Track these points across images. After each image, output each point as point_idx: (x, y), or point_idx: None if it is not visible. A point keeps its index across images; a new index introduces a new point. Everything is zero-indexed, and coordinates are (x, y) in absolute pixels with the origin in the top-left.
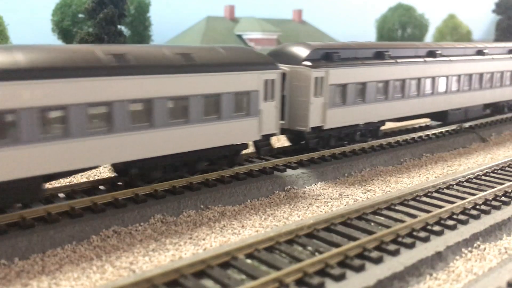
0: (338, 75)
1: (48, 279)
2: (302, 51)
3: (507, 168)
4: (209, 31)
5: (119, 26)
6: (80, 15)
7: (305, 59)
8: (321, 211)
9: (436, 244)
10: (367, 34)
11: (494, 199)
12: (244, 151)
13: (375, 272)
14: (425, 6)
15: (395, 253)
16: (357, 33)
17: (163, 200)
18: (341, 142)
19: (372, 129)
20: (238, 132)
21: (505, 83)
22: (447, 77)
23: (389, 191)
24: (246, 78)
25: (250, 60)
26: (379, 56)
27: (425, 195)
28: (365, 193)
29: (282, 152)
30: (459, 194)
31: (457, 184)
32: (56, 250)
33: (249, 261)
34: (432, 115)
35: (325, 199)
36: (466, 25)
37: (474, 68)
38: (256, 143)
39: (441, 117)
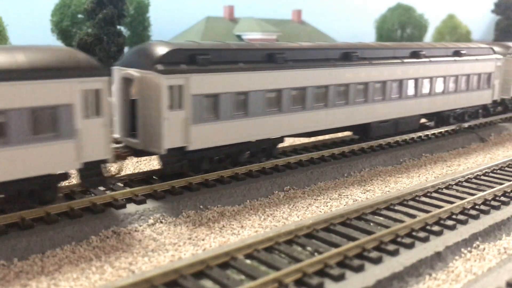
0: (205, 82)
1: (47, 280)
2: (156, 52)
3: (506, 168)
4: (209, 31)
5: (118, 27)
6: (80, 16)
7: (158, 62)
8: (320, 211)
9: (436, 244)
10: (367, 34)
11: (494, 199)
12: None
13: (374, 272)
14: (425, 6)
15: (394, 253)
16: (356, 33)
17: (162, 201)
18: (221, 164)
19: (266, 148)
20: (42, 160)
21: (448, 90)
22: (366, 84)
23: (389, 191)
24: (50, 88)
25: (56, 64)
26: (271, 59)
27: (425, 195)
28: (364, 193)
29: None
30: (458, 194)
31: (456, 184)
32: (55, 251)
33: (248, 261)
34: (350, 129)
35: (325, 199)
36: (465, 25)
37: (406, 73)
38: (81, 172)
39: (362, 130)
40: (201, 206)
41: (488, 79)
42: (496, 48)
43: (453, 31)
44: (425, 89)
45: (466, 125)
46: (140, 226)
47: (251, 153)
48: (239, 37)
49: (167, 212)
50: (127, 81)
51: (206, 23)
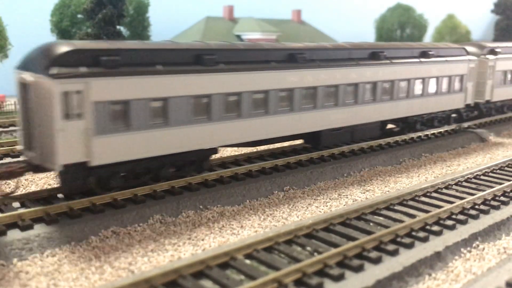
0: (112, 88)
1: (47, 280)
2: (51, 53)
3: (506, 168)
4: (208, 31)
5: (118, 27)
6: (79, 16)
7: (52, 65)
8: (320, 211)
9: (435, 244)
10: (367, 34)
11: (493, 199)
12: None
13: (374, 272)
14: (424, 6)
15: (394, 253)
16: (356, 33)
17: (162, 201)
18: (139, 180)
19: (196, 160)
20: None
21: (413, 94)
22: (315, 88)
23: (388, 191)
24: None
25: None
26: (198, 61)
27: (424, 195)
28: (364, 193)
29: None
30: (458, 194)
31: (456, 184)
32: (55, 251)
33: (248, 261)
34: (299, 137)
35: (324, 199)
36: (465, 25)
37: (363, 76)
38: None
39: (312, 139)
40: (201, 206)
41: (460, 82)
42: (470, 48)
43: (453, 31)
44: (386, 93)
45: (465, 125)
46: (140, 226)
47: (177, 167)
48: (238, 37)
49: (167, 212)
50: (23, 86)
51: (206, 23)
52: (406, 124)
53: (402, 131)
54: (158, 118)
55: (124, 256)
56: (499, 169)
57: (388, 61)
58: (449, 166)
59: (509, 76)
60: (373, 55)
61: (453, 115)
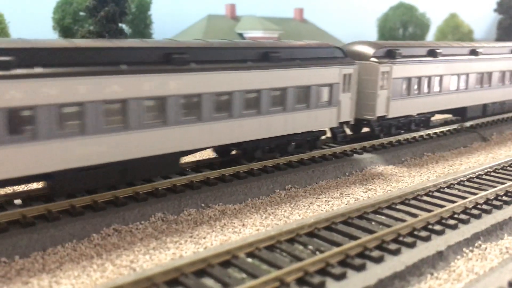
0: None
1: (49, 277)
2: None
3: (508, 168)
4: (210, 29)
5: (120, 24)
6: (81, 13)
7: None
8: (322, 210)
9: (437, 243)
10: (369, 33)
11: (495, 198)
12: None
13: (376, 272)
14: (427, 5)
15: (396, 252)
16: (358, 32)
17: (163, 199)
18: None
19: None
20: None
21: (241, 113)
22: (32, 109)
23: (390, 190)
24: None
25: None
26: None
27: (426, 195)
28: (366, 192)
29: None
30: (460, 194)
31: (458, 184)
32: (57, 248)
33: (249, 260)
34: (25, 180)
35: (326, 198)
36: (467, 24)
37: (135, 89)
38: None
39: (53, 184)
40: (203, 205)
41: (329, 94)
42: (361, 48)
43: (455, 30)
44: (185, 113)
45: (468, 124)
46: (141, 224)
47: None
48: (240, 35)
49: (169, 210)
50: None
51: (208, 21)
52: (243, 151)
53: (238, 161)
54: None
55: (126, 254)
56: (502, 168)
57: (187, 67)
58: (451, 166)
59: (415, 85)
60: (164, 58)
61: (323, 136)
